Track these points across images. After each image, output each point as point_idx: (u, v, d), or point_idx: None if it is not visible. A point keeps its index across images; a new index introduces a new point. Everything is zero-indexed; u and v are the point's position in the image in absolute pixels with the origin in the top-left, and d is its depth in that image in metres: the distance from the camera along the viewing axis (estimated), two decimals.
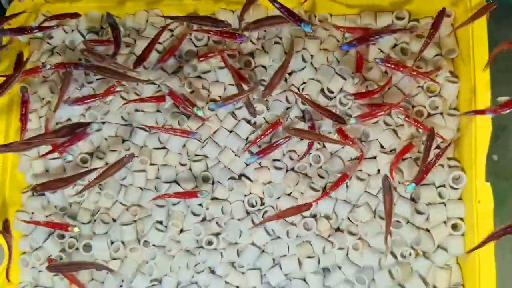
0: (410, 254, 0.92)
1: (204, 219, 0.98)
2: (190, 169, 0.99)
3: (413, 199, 0.94)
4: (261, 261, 0.95)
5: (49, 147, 0.97)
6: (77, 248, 0.99)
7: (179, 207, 0.98)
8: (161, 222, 0.99)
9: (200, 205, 0.98)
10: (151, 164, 1.00)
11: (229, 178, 0.97)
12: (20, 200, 1.03)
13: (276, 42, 1.01)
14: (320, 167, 0.96)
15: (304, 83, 1.00)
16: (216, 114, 0.99)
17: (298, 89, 1.00)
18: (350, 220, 0.95)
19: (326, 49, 1.00)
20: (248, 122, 0.99)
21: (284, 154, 0.98)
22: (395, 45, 0.99)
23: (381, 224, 0.93)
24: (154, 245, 0.98)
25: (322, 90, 0.99)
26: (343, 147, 0.96)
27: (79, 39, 1.06)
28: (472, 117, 0.89)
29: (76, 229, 0.95)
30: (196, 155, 0.99)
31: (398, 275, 0.91)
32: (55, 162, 1.02)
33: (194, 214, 0.97)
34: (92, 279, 0.99)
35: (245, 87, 0.95)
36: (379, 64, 0.93)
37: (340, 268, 0.94)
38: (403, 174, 0.94)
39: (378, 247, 0.93)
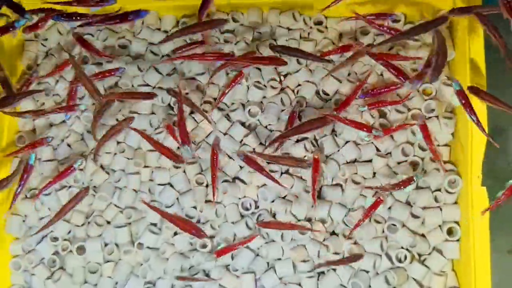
0: (405, 257, 0.91)
1: (198, 222, 0.97)
2: (184, 171, 0.98)
3: (408, 203, 0.93)
4: (255, 264, 0.94)
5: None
6: (70, 251, 0.99)
7: (173, 209, 0.97)
8: (155, 225, 0.98)
9: (194, 207, 0.97)
10: (145, 166, 1.00)
11: (223, 181, 0.96)
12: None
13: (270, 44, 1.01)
14: None
15: (299, 85, 1.00)
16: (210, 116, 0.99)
17: (293, 91, 1.00)
18: (345, 224, 0.94)
19: (322, 51, 1.00)
20: (243, 124, 0.98)
21: None
22: (391, 48, 0.98)
23: (376, 228, 0.92)
24: (148, 248, 0.98)
25: (317, 92, 0.98)
26: (338, 150, 0.95)
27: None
28: (468, 120, 0.89)
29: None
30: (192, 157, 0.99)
31: (394, 281, 0.90)
32: (48, 164, 1.02)
33: (188, 217, 0.97)
34: (85, 282, 0.99)
35: None
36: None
37: (335, 271, 0.93)
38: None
39: (374, 251, 0.92)
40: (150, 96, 0.95)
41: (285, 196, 0.96)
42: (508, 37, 0.85)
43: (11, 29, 0.91)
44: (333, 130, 0.96)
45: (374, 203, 0.90)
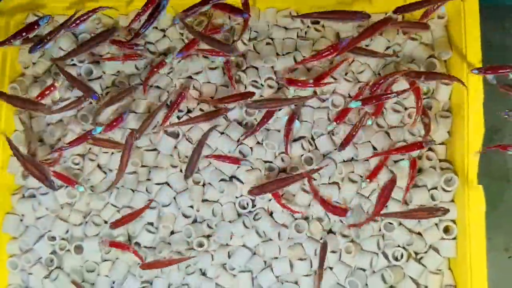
0: (402, 255, 0.91)
1: (195, 221, 0.98)
2: (181, 170, 0.98)
3: (405, 202, 0.93)
4: (252, 263, 0.95)
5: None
6: (68, 250, 0.99)
7: (170, 209, 0.98)
8: (152, 224, 0.98)
9: (191, 206, 0.97)
10: (143, 166, 1.00)
11: (220, 180, 0.96)
12: (10, 203, 1.02)
13: (267, 43, 1.01)
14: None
15: None
16: None
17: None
18: (342, 222, 0.94)
19: (319, 50, 0.99)
20: (240, 123, 0.98)
21: (276, 156, 0.97)
22: (388, 47, 0.98)
23: (373, 226, 0.93)
24: (145, 247, 0.98)
25: (314, 92, 0.98)
26: (335, 149, 0.96)
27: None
28: (464, 119, 0.89)
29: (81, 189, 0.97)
30: (187, 157, 0.99)
31: (391, 279, 0.90)
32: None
33: (185, 216, 0.97)
34: (83, 281, 0.99)
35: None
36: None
37: (332, 270, 0.93)
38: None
39: (370, 249, 0.93)
40: (248, 95, 0.95)
41: (282, 195, 0.96)
42: (504, 37, 0.86)
43: (35, 27, 0.93)
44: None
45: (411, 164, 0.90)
